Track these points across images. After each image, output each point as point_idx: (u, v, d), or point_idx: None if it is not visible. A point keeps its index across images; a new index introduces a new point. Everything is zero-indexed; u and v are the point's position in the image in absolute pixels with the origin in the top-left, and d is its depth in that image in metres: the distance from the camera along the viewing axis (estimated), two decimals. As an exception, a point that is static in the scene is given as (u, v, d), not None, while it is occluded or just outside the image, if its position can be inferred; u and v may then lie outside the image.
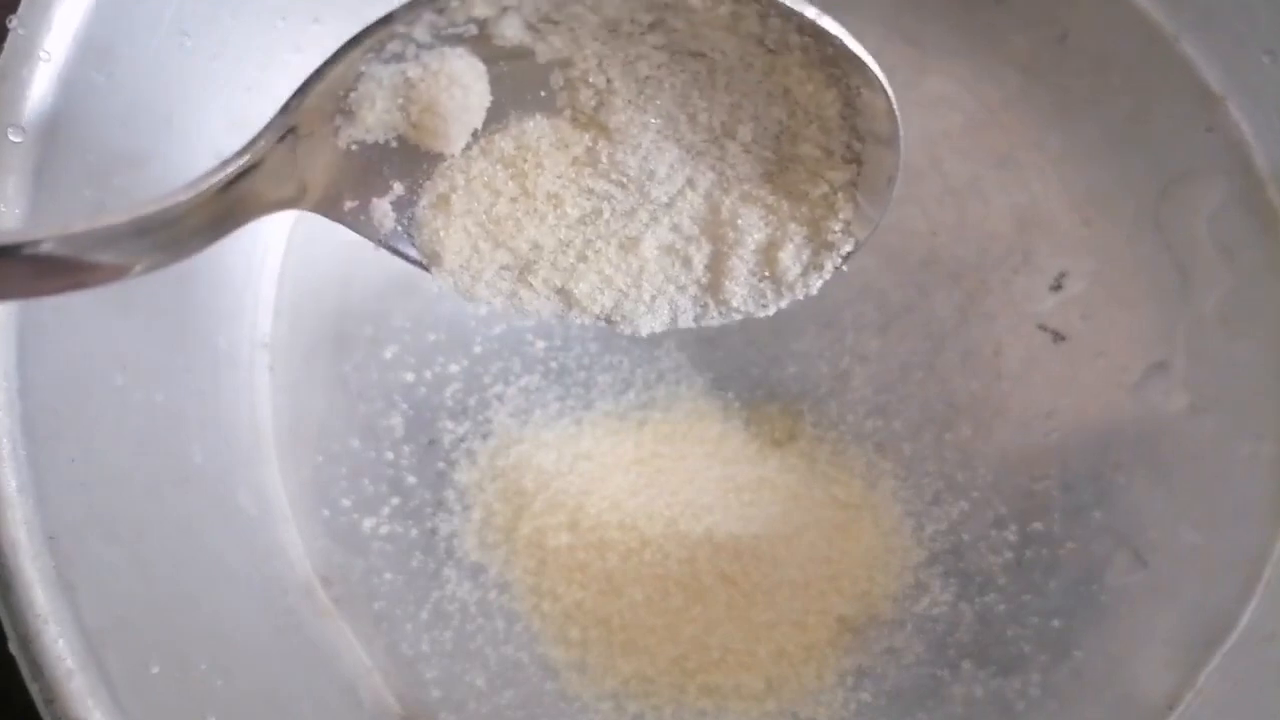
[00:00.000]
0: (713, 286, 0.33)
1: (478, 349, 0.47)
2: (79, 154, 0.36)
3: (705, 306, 0.34)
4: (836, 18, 0.30)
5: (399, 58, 0.29)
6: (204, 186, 0.27)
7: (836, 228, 0.32)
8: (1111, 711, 0.44)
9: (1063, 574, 0.45)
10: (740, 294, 0.33)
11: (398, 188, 0.32)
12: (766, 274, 0.33)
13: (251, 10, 0.42)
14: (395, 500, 0.46)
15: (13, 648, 0.30)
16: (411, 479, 0.46)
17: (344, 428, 0.47)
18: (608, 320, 0.33)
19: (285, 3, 0.44)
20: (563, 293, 0.33)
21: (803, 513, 0.45)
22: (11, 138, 0.34)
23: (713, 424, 0.46)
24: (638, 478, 0.45)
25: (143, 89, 0.39)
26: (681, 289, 0.33)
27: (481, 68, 0.30)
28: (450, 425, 0.46)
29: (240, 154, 0.28)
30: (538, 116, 0.31)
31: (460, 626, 0.45)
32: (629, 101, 0.31)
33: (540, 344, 0.47)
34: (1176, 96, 0.47)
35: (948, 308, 0.46)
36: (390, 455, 0.46)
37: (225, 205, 0.28)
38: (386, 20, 0.28)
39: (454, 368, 0.47)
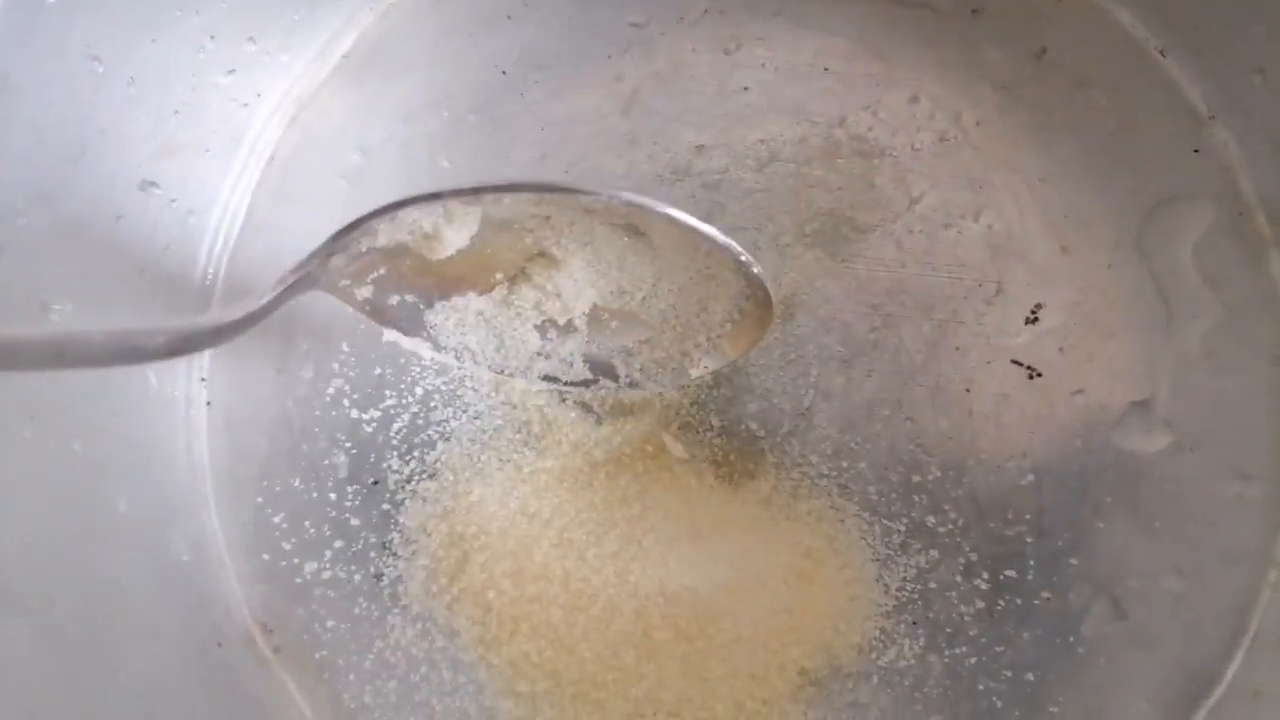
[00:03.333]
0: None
1: (425, 386, 0.45)
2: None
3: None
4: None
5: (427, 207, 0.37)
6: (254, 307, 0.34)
7: (700, 363, 0.42)
8: (1087, 771, 0.41)
9: (1037, 624, 0.42)
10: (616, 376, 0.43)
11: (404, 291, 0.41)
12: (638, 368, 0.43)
13: (174, 33, 0.40)
14: (338, 543, 0.44)
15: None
16: (355, 521, 0.44)
17: (286, 467, 0.45)
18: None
19: (214, 22, 0.42)
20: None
21: (762, 559, 0.43)
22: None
23: (669, 465, 0.44)
24: (588, 523, 0.43)
25: (49, 120, 0.37)
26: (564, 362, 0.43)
27: (478, 212, 0.38)
28: (396, 465, 0.44)
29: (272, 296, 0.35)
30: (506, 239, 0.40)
31: (405, 676, 0.43)
32: (581, 245, 0.40)
33: (489, 381, 0.45)
34: (1161, 116, 0.45)
35: (916, 341, 0.44)
36: (333, 496, 0.44)
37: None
38: (433, 195, 0.36)
39: (400, 405, 0.44)
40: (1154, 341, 0.44)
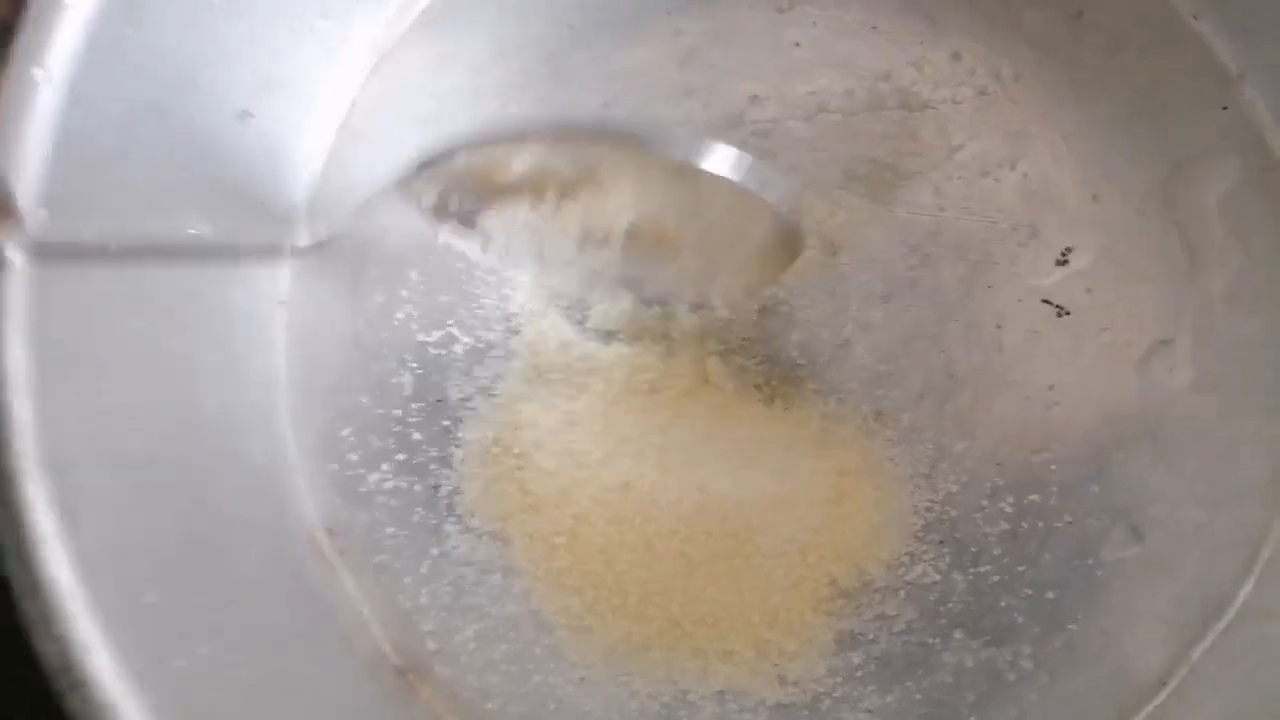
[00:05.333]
0: None
1: (486, 312, 0.48)
2: (102, 102, 0.37)
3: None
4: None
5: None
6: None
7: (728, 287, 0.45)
8: (1103, 686, 0.44)
9: (1058, 547, 0.44)
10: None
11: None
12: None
13: (277, -28, 0.44)
14: (400, 456, 0.47)
15: (8, 566, 0.31)
16: (417, 436, 0.47)
17: (355, 385, 0.48)
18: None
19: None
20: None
21: (799, 478, 0.46)
22: (37, 80, 0.35)
23: (715, 389, 0.47)
24: (634, 443, 0.46)
25: (169, 45, 0.40)
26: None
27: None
28: (458, 384, 0.47)
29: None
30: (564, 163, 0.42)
31: (458, 581, 0.46)
32: (630, 179, 0.42)
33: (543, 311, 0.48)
34: (1192, 75, 0.47)
35: (952, 280, 0.46)
36: (398, 412, 0.47)
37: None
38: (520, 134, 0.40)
39: (463, 330, 0.47)
40: (1179, 286, 0.46)
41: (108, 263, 0.38)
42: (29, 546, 0.31)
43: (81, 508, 0.33)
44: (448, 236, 0.45)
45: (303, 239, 0.36)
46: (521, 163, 0.42)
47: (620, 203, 0.43)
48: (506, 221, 0.44)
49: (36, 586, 0.31)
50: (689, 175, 0.41)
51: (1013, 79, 0.48)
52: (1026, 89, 0.48)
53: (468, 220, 0.44)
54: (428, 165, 0.40)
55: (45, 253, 0.28)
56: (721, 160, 0.39)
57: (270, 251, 0.35)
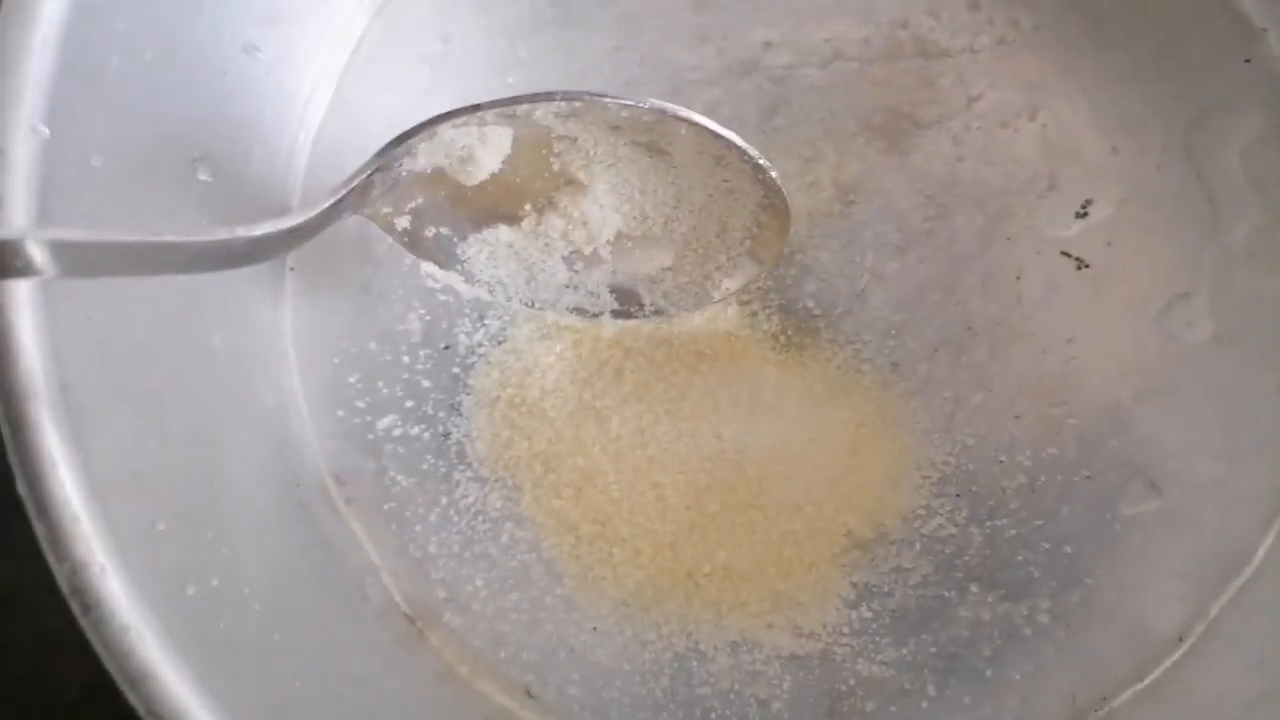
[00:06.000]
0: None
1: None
2: (106, 16, 0.36)
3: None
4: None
5: (463, 124, 0.39)
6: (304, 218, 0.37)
7: (722, 284, 0.45)
8: (1120, 641, 0.43)
9: (1076, 501, 0.44)
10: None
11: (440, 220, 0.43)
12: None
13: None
14: (409, 403, 0.46)
15: (20, 488, 0.31)
16: (426, 383, 0.46)
17: (362, 331, 0.47)
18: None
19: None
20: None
21: (815, 429, 0.45)
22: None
23: (730, 338, 0.46)
24: (651, 389, 0.45)
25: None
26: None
27: (509, 132, 0.40)
28: (467, 330, 0.47)
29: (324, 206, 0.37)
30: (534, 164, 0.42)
31: (468, 529, 0.45)
32: (605, 168, 0.42)
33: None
34: (1214, 27, 0.46)
35: (970, 231, 0.46)
36: (406, 359, 0.47)
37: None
38: (472, 108, 0.38)
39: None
40: (1198, 239, 0.45)
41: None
42: (39, 467, 0.31)
43: (89, 432, 0.32)
44: (430, 270, 0.44)
45: (271, 226, 0.35)
46: (490, 159, 0.41)
47: (601, 206, 0.43)
48: (488, 246, 0.44)
49: (47, 508, 0.30)
50: (665, 162, 0.41)
51: (1032, 28, 0.47)
52: (1046, 39, 0.47)
53: (446, 249, 0.44)
54: (385, 155, 0.39)
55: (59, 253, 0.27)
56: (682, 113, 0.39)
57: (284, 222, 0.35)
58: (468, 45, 0.49)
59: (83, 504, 0.31)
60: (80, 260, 0.28)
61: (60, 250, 0.27)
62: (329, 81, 0.48)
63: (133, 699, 0.30)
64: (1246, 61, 0.46)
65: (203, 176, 0.42)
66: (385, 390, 0.47)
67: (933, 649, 0.44)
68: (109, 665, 0.30)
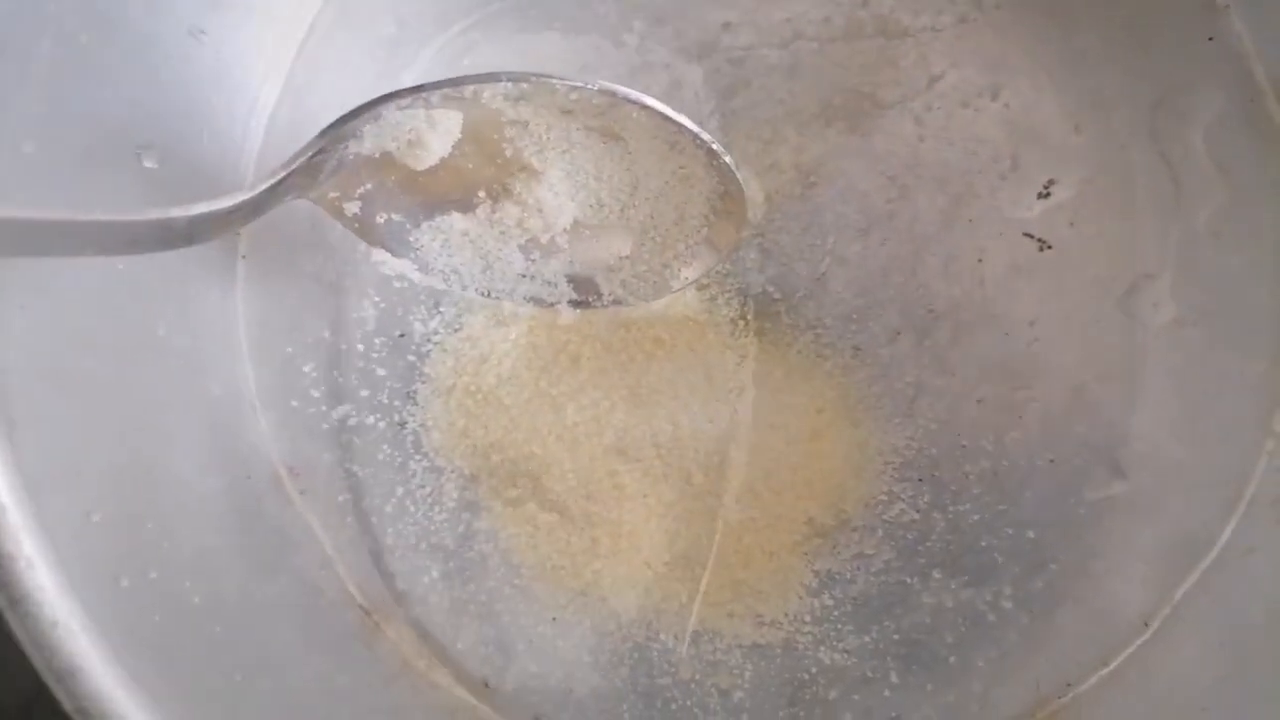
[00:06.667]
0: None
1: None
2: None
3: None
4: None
5: (409, 107, 0.38)
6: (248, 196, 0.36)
7: (680, 273, 0.44)
8: (1085, 626, 0.43)
9: (1039, 486, 0.44)
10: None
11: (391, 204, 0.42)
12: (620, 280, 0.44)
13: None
14: (364, 392, 0.46)
15: (-57, 476, 0.30)
16: (381, 371, 0.46)
17: (316, 318, 0.46)
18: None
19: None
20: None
21: (775, 415, 0.44)
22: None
23: (688, 325, 0.45)
24: (608, 375, 0.45)
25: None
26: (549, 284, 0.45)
27: (459, 116, 0.39)
28: (423, 317, 0.46)
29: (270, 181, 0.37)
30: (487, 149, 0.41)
31: (424, 520, 0.45)
32: (559, 154, 0.41)
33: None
34: (1177, 6, 0.46)
35: (931, 212, 0.45)
36: (361, 347, 0.46)
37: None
38: (416, 89, 0.38)
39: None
40: (1162, 220, 0.45)
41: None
42: (-39, 458, 0.30)
43: (20, 422, 0.31)
44: (382, 258, 0.43)
45: (209, 206, 0.34)
46: (439, 144, 0.40)
47: (556, 194, 0.42)
48: (442, 234, 0.43)
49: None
50: (619, 148, 0.41)
51: (994, 6, 0.46)
52: (1009, 17, 0.46)
53: (398, 236, 0.43)
54: (327, 135, 0.38)
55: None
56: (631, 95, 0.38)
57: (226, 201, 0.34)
58: (423, 27, 0.48)
59: (10, 495, 0.30)
60: (6, 239, 0.28)
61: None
62: (280, 67, 0.47)
63: (60, 695, 0.29)
64: (1209, 40, 0.45)
65: (148, 164, 0.41)
66: (340, 379, 0.46)
67: (895, 636, 0.43)
68: (36, 661, 0.29)
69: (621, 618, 0.44)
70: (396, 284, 0.46)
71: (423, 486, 0.45)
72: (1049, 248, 0.45)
